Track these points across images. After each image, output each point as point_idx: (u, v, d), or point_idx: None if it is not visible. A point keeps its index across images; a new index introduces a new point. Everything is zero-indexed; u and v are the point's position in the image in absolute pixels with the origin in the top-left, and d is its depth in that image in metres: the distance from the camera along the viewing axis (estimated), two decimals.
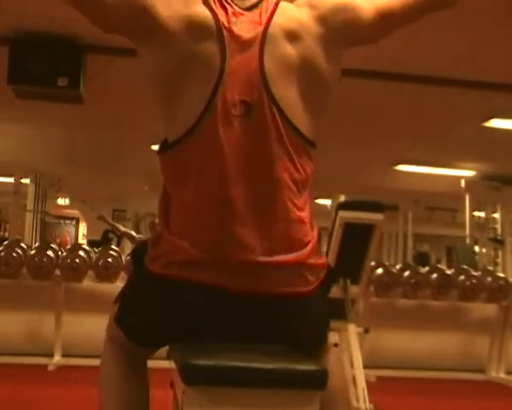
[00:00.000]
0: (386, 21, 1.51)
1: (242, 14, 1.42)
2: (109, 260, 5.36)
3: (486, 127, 6.47)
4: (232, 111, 1.36)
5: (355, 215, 3.91)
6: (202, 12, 1.41)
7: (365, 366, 3.83)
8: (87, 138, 8.60)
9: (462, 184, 9.41)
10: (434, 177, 9.35)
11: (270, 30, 1.40)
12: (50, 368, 4.99)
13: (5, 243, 5.64)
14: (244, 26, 1.40)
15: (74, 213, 16.24)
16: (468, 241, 9.67)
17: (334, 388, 1.38)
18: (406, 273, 5.65)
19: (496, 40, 4.43)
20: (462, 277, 5.77)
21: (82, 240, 15.75)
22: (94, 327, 5.36)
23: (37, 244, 5.97)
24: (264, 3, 1.45)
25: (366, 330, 4.10)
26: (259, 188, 1.37)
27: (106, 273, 5.35)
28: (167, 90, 1.42)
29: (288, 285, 1.38)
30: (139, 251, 1.55)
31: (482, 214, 10.16)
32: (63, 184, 11.42)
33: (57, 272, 5.26)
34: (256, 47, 1.39)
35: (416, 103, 5.93)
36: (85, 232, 16.32)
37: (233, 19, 1.40)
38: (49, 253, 5.29)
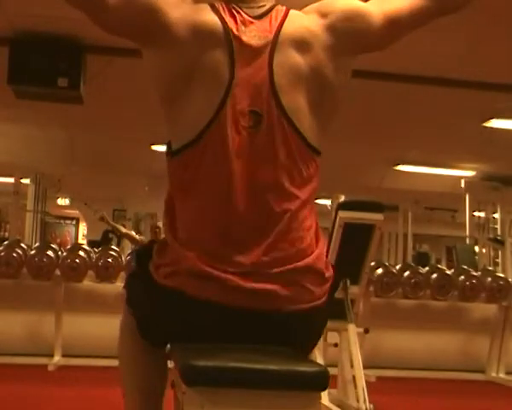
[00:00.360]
0: (394, 27, 1.50)
1: (252, 23, 1.40)
2: (109, 260, 5.36)
3: (486, 127, 6.47)
4: (241, 121, 1.35)
5: (355, 215, 3.91)
6: (211, 19, 1.39)
7: (365, 366, 3.83)
8: (87, 138, 8.60)
9: (462, 184, 9.41)
10: (434, 177, 9.35)
11: (280, 39, 1.39)
12: (50, 368, 4.99)
13: (5, 243, 5.64)
14: (253, 35, 1.38)
15: (74, 213, 16.24)
16: (468, 241, 9.67)
17: None
18: (406, 273, 5.65)
19: (496, 40, 4.43)
20: (462, 277, 5.77)
21: (82, 240, 15.74)
22: (94, 327, 5.41)
23: (37, 244, 5.97)
24: (273, 12, 1.43)
25: (366, 331, 4.11)
26: (266, 198, 1.36)
27: (106, 273, 5.35)
28: (172, 94, 1.40)
29: (293, 301, 1.36)
30: (143, 254, 1.54)
31: (482, 214, 10.16)
32: (63, 184, 11.41)
33: (57, 272, 5.26)
34: (265, 56, 1.37)
35: (416, 103, 5.93)
36: (85, 232, 16.32)
37: (242, 27, 1.39)
38: (49, 253, 5.29)
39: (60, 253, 5.38)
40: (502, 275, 6.30)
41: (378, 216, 3.90)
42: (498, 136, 6.69)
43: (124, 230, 8.34)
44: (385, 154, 8.46)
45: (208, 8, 1.41)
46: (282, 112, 1.36)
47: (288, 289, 1.35)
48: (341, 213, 3.90)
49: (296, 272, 1.36)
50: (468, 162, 8.67)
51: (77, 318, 5.36)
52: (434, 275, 5.73)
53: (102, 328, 5.30)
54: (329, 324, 4.33)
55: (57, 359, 5.19)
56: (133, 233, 8.56)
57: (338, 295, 3.90)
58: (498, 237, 9.61)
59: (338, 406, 3.89)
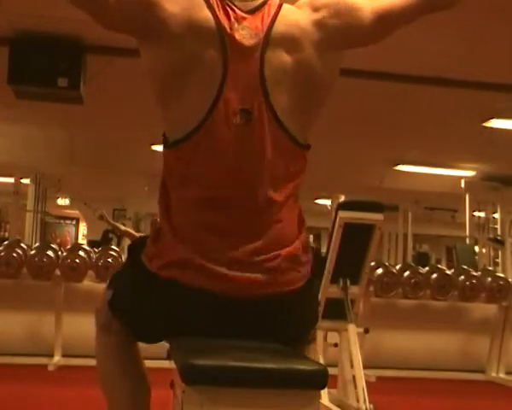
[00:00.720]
0: (385, 22, 1.51)
1: (245, 19, 1.42)
2: (109, 260, 5.36)
3: (486, 127, 6.47)
4: (232, 118, 1.39)
5: (355, 215, 3.91)
6: (205, 16, 1.41)
7: (365, 366, 3.83)
8: (87, 139, 8.61)
9: (462, 184, 9.41)
10: (434, 177, 9.35)
11: (271, 37, 1.41)
12: (50, 368, 4.99)
13: (5, 243, 5.64)
14: (246, 33, 1.41)
15: (74, 213, 16.24)
16: (468, 241, 9.67)
17: None
18: (406, 273, 5.65)
19: (496, 40, 4.43)
20: (462, 277, 5.77)
21: (82, 240, 15.75)
22: (94, 327, 5.40)
23: (37, 244, 5.97)
24: (266, 7, 1.45)
25: (366, 331, 4.11)
26: (254, 192, 1.42)
27: (106, 273, 5.34)
28: (166, 90, 1.44)
29: (275, 285, 1.42)
30: (136, 245, 1.59)
31: (482, 215, 10.16)
32: (63, 184, 11.41)
33: (57, 272, 5.26)
34: (257, 55, 1.40)
35: (415, 103, 5.93)
36: (85, 232, 16.32)
37: (235, 24, 1.41)
38: (49, 253, 5.29)
39: (60, 253, 5.37)
40: (502, 275, 6.29)
41: (378, 216, 3.90)
42: (498, 136, 6.69)
43: (123, 228, 8.33)
44: (385, 154, 8.46)
45: (203, 3, 1.43)
46: (270, 110, 1.40)
47: (271, 276, 1.41)
48: (341, 213, 3.90)
49: (280, 261, 1.42)
50: (468, 162, 8.67)
51: (77, 318, 5.35)
52: (434, 275, 5.73)
53: None
54: (329, 323, 4.35)
55: (57, 359, 5.20)
56: (133, 231, 8.55)
57: (338, 295, 3.93)
58: (498, 237, 9.61)
59: (338, 406, 3.89)
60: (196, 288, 1.40)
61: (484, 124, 6.39)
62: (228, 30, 1.40)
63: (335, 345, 4.06)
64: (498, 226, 9.79)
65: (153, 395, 1.68)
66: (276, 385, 1.22)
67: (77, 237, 16.87)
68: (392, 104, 6.01)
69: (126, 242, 9.52)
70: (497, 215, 9.93)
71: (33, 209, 10.70)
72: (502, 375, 5.83)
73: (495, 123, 6.35)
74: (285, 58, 1.41)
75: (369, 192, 9.01)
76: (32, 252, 5.31)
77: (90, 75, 4.93)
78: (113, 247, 6.22)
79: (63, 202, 14.30)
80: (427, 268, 5.92)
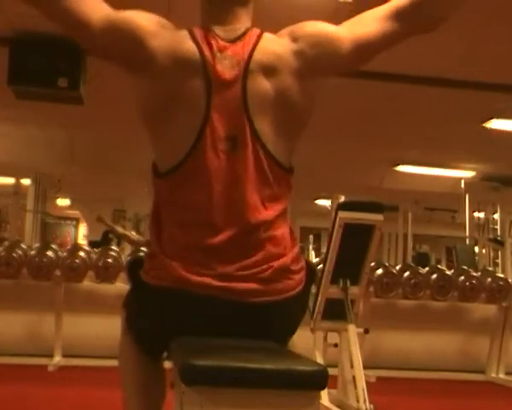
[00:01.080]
0: (364, 51, 1.56)
1: (227, 48, 1.48)
2: (109, 260, 5.36)
3: (486, 127, 6.47)
4: (219, 145, 1.45)
5: (355, 216, 3.90)
6: (190, 48, 1.46)
7: (365, 367, 3.83)
8: (87, 139, 8.60)
9: (462, 184, 9.41)
10: (434, 177, 9.35)
11: (251, 66, 1.46)
12: (50, 368, 4.99)
13: (5, 243, 5.64)
14: (228, 63, 1.46)
15: (74, 213, 16.23)
16: (467, 241, 9.67)
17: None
18: (406, 274, 5.65)
19: (496, 40, 4.43)
20: (462, 277, 5.77)
21: (82, 240, 15.74)
22: (94, 327, 5.41)
23: (37, 245, 5.97)
24: (247, 36, 1.50)
25: (366, 331, 4.10)
26: (243, 214, 1.46)
27: (106, 274, 5.35)
28: (152, 122, 1.50)
29: (271, 293, 1.46)
30: (134, 265, 1.63)
31: (482, 215, 10.16)
32: (63, 184, 11.41)
33: (57, 272, 5.26)
34: (239, 84, 1.45)
35: (415, 103, 5.94)
36: (85, 233, 16.32)
37: (218, 55, 1.46)
38: (50, 253, 5.29)
39: (60, 253, 5.37)
40: (502, 275, 6.29)
41: (378, 216, 3.89)
42: (498, 136, 6.70)
43: (121, 230, 8.34)
44: (385, 154, 8.46)
45: (187, 35, 1.49)
46: (255, 135, 1.46)
47: (265, 285, 1.46)
48: (341, 214, 3.90)
49: (272, 272, 1.47)
50: (468, 162, 8.67)
51: (77, 318, 5.36)
52: (434, 275, 5.73)
53: (102, 328, 5.31)
54: (329, 324, 4.35)
55: (57, 359, 5.19)
56: (130, 234, 8.55)
57: (338, 295, 3.93)
58: (498, 238, 9.60)
59: (338, 406, 3.89)
60: (192, 294, 1.44)
61: (484, 124, 6.39)
62: (210, 61, 1.46)
63: (335, 345, 4.06)
64: (498, 227, 9.79)
65: None
66: (276, 386, 1.22)
67: (77, 238, 16.85)
68: (392, 104, 6.01)
69: (127, 243, 9.51)
70: (496, 216, 9.93)
71: (33, 209, 10.70)
72: (502, 375, 5.83)
73: (495, 123, 6.36)
74: (265, 86, 1.47)
75: (369, 192, 9.01)
76: (32, 252, 5.31)
77: (89, 75, 4.93)
78: (113, 247, 6.22)
79: (63, 202, 14.28)
80: (427, 269, 5.92)
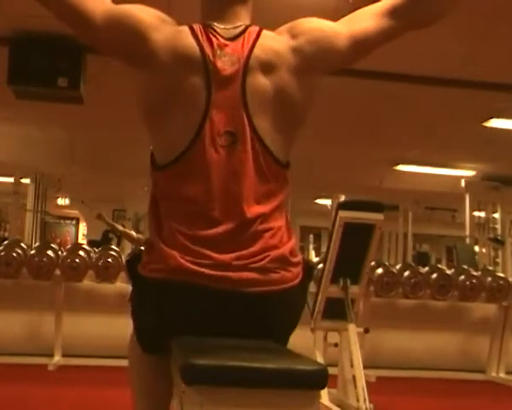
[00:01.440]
0: (361, 47, 1.58)
1: (227, 46, 1.49)
2: (109, 260, 5.36)
3: (486, 127, 6.48)
4: (218, 141, 1.47)
5: (355, 215, 3.91)
6: (190, 44, 1.48)
7: (365, 366, 3.83)
8: (87, 138, 8.60)
9: (462, 184, 9.41)
10: (434, 177, 9.35)
11: (250, 63, 1.48)
12: (50, 368, 4.99)
13: (5, 242, 5.64)
14: (227, 60, 1.48)
15: (74, 213, 16.24)
16: (468, 241, 9.67)
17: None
18: (406, 273, 5.65)
19: (496, 40, 4.43)
20: (462, 277, 5.78)
21: (82, 240, 15.74)
22: (94, 327, 5.41)
23: (37, 244, 5.98)
24: (246, 34, 1.52)
25: (366, 331, 4.10)
26: (240, 208, 1.48)
27: (106, 273, 5.35)
28: (153, 116, 1.51)
29: (268, 283, 1.48)
30: (133, 260, 1.62)
31: (482, 214, 10.16)
32: (63, 184, 11.42)
33: (57, 271, 5.26)
34: (238, 81, 1.47)
35: (415, 103, 5.94)
36: (85, 232, 16.32)
37: (218, 51, 1.48)
38: (49, 253, 5.29)
39: (60, 253, 5.38)
40: (502, 275, 6.29)
41: (378, 216, 3.90)
42: (498, 136, 6.70)
43: (121, 228, 8.33)
44: (385, 154, 8.46)
45: (188, 31, 1.50)
46: (254, 132, 1.48)
47: (262, 275, 1.47)
48: (341, 213, 3.90)
49: (268, 260, 1.48)
50: (468, 162, 8.68)
51: (77, 318, 5.36)
52: (434, 275, 5.73)
53: (102, 328, 5.32)
54: (330, 323, 4.35)
55: (57, 359, 5.20)
56: (131, 232, 8.54)
57: (338, 294, 3.93)
58: (498, 237, 9.61)
59: (338, 405, 3.89)
60: (188, 285, 1.45)
61: (484, 124, 6.39)
62: (211, 57, 1.47)
63: (335, 345, 4.06)
64: (498, 226, 9.80)
65: None
66: (276, 385, 1.22)
67: (77, 237, 16.87)
68: (392, 104, 6.01)
69: (126, 242, 9.52)
70: (497, 215, 9.93)
71: (33, 209, 10.70)
72: (502, 375, 5.84)
73: (495, 123, 6.36)
74: (264, 82, 1.48)
75: (369, 192, 9.02)
76: (32, 252, 5.31)
77: (89, 75, 4.93)
78: (113, 247, 6.22)
79: (63, 201, 14.29)
80: (427, 268, 5.92)
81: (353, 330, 3.80)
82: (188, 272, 1.44)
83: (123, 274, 5.27)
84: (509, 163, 8.08)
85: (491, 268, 7.47)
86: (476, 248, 9.85)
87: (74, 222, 17.26)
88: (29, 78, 4.75)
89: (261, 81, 1.48)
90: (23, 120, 7.27)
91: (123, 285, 5.21)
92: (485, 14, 3.92)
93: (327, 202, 12.48)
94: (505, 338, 5.87)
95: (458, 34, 4.22)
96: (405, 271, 5.69)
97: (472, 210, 9.70)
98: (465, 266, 6.33)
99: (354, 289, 3.97)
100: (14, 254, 5.22)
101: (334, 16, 1.61)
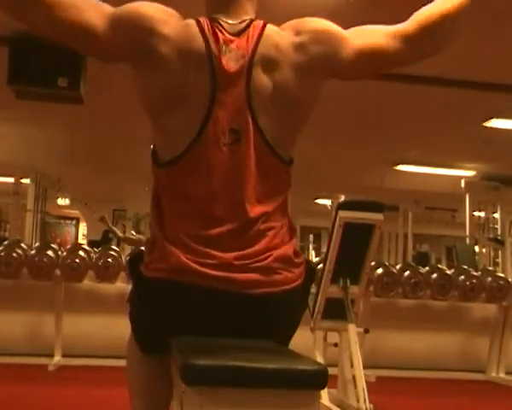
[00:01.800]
0: (367, 61, 1.55)
1: (232, 41, 1.48)
2: (109, 260, 5.36)
3: (486, 127, 6.48)
4: (222, 138, 1.45)
5: (355, 215, 3.91)
6: (196, 40, 1.46)
7: (365, 366, 3.83)
8: (87, 138, 8.60)
9: (462, 184, 9.41)
10: (434, 177, 9.36)
11: (254, 60, 1.47)
12: (50, 368, 4.99)
13: (5, 243, 5.64)
14: (232, 56, 1.46)
15: (74, 213, 16.24)
16: (468, 241, 9.67)
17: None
18: (406, 273, 5.65)
19: (496, 40, 4.43)
20: (462, 277, 5.77)
21: (82, 240, 15.74)
22: (94, 327, 5.41)
23: (37, 244, 5.97)
24: (250, 29, 1.50)
25: (366, 331, 4.10)
26: (243, 206, 1.47)
27: (106, 273, 5.35)
28: (157, 111, 1.49)
29: (270, 284, 1.47)
30: (135, 259, 1.61)
31: (482, 214, 10.16)
32: (63, 184, 11.41)
33: (57, 272, 5.26)
34: (243, 77, 1.46)
35: (415, 103, 5.94)
36: (85, 232, 16.32)
37: (223, 47, 1.47)
38: (50, 253, 5.29)
39: (60, 253, 5.37)
40: (502, 275, 6.29)
41: (378, 216, 3.89)
42: (498, 136, 6.70)
43: (121, 235, 8.34)
44: (385, 154, 8.46)
45: (195, 26, 1.48)
46: (257, 129, 1.46)
47: (265, 275, 1.46)
48: (341, 213, 3.90)
49: (271, 260, 1.48)
50: (468, 162, 8.68)
51: (77, 318, 5.36)
52: (434, 275, 5.73)
53: (102, 328, 5.32)
54: (329, 323, 4.35)
55: (57, 359, 5.20)
56: (130, 235, 8.54)
57: (338, 295, 3.93)
58: (498, 237, 9.61)
59: (338, 405, 3.89)
60: (192, 285, 1.44)
61: (484, 124, 6.39)
62: (216, 53, 1.46)
63: (335, 345, 4.06)
64: (498, 226, 9.80)
65: None
66: (276, 385, 1.22)
67: (77, 237, 16.86)
68: (392, 104, 6.01)
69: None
70: (497, 215, 9.93)
71: (33, 209, 10.70)
72: (502, 375, 5.83)
73: (495, 123, 6.36)
74: (268, 79, 1.47)
75: (369, 192, 9.01)
76: (32, 252, 5.31)
77: (89, 75, 4.93)
78: (113, 247, 6.22)
79: (63, 201, 14.29)
80: (427, 268, 5.92)
81: (353, 330, 3.80)
82: (191, 272, 1.43)
83: (123, 274, 5.27)
84: (509, 163, 8.09)
85: (491, 268, 7.48)
86: (476, 248, 9.86)
87: (74, 222, 17.26)
88: (29, 78, 4.75)
89: (265, 78, 1.47)
90: (23, 120, 7.27)
91: (123, 285, 5.21)
92: (485, 14, 3.92)
93: (327, 202, 12.48)
94: (505, 338, 5.87)
95: (459, 34, 4.21)
96: (405, 271, 5.69)
97: (472, 210, 9.70)
98: (465, 267, 6.32)
99: (354, 290, 3.97)
100: (14, 255, 5.22)
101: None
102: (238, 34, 1.49)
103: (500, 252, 9.73)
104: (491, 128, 6.47)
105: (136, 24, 1.46)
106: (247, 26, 1.50)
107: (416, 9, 1.58)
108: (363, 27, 1.58)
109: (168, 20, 1.47)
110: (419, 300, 5.80)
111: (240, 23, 1.51)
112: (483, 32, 4.29)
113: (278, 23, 1.56)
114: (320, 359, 4.07)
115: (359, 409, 3.52)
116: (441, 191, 10.01)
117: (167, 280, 1.46)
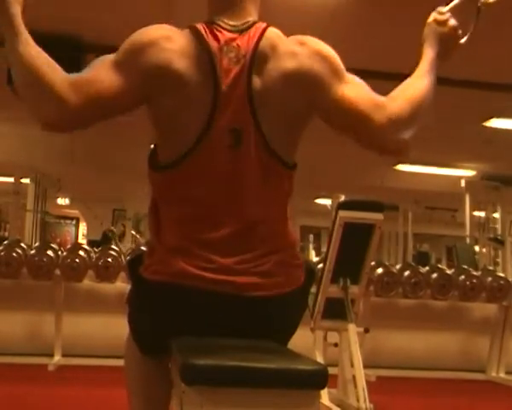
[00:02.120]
0: (340, 109, 1.53)
1: (233, 40, 1.47)
2: (109, 259, 5.36)
3: (486, 127, 6.48)
4: (223, 141, 1.44)
5: (355, 215, 3.90)
6: (195, 44, 1.45)
7: (365, 366, 3.83)
8: (87, 138, 8.60)
9: (462, 183, 9.42)
10: (434, 177, 9.36)
11: (255, 59, 1.46)
12: (50, 368, 4.99)
13: (5, 242, 5.64)
14: (233, 56, 1.46)
15: (74, 213, 16.24)
16: (468, 241, 9.68)
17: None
18: (406, 273, 5.65)
19: (496, 40, 4.43)
20: (463, 277, 5.77)
21: (82, 240, 15.74)
22: (94, 327, 5.41)
23: (37, 244, 5.96)
24: (252, 29, 1.50)
25: (366, 330, 4.10)
26: (245, 209, 1.47)
27: (106, 273, 5.35)
28: (160, 117, 1.48)
29: (270, 287, 1.47)
30: (135, 261, 1.61)
31: (482, 214, 10.17)
32: (63, 184, 11.41)
33: (57, 271, 5.26)
34: (243, 78, 1.45)
35: None
36: (85, 232, 16.32)
37: (224, 48, 1.46)
38: (49, 253, 5.29)
39: (60, 253, 5.37)
40: (502, 275, 6.29)
41: (378, 216, 3.89)
42: (498, 136, 6.70)
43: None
44: None
45: (193, 32, 1.47)
46: (258, 131, 1.45)
47: (264, 279, 1.46)
48: (341, 213, 3.90)
49: (271, 265, 1.48)
50: (468, 162, 8.68)
51: (77, 318, 5.36)
52: (434, 275, 5.73)
53: (102, 328, 5.32)
54: (329, 323, 4.34)
55: (57, 359, 5.19)
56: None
57: (338, 294, 3.93)
58: (498, 237, 9.61)
59: (338, 405, 3.89)
60: (191, 288, 1.44)
61: (484, 124, 6.39)
62: (217, 56, 1.45)
63: (335, 345, 4.06)
64: (498, 226, 9.80)
65: None
66: (276, 385, 1.22)
67: (77, 237, 16.86)
68: None
69: (126, 241, 9.53)
70: (497, 215, 9.93)
71: (33, 209, 10.70)
72: (502, 375, 5.83)
73: (495, 123, 6.36)
74: (268, 80, 1.46)
75: (369, 192, 9.01)
76: (32, 252, 5.30)
77: None
78: (113, 247, 6.21)
79: (63, 201, 14.30)
80: (427, 268, 5.92)
81: (353, 330, 3.80)
82: (190, 275, 1.43)
83: (123, 274, 5.27)
84: (509, 163, 8.09)
85: (491, 268, 7.47)
86: (476, 248, 9.86)
87: (74, 222, 17.25)
88: None
89: (265, 79, 1.46)
90: (23, 119, 7.23)
91: (123, 285, 5.21)
92: (485, 14, 3.92)
93: (327, 201, 12.48)
94: (505, 338, 5.86)
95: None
96: (405, 271, 5.69)
97: (472, 210, 9.71)
98: (465, 266, 6.32)
99: (354, 289, 3.97)
100: (14, 254, 5.21)
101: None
102: (240, 33, 1.49)
103: (500, 252, 9.73)
104: (491, 128, 6.48)
105: (138, 55, 1.44)
106: (250, 27, 1.50)
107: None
108: (361, 82, 1.60)
109: (170, 36, 1.46)
110: (419, 300, 5.79)
111: (242, 24, 1.51)
112: (483, 32, 4.28)
113: (278, 23, 1.56)
114: (320, 359, 4.07)
115: (359, 409, 3.52)
116: (441, 191, 10.01)
117: (167, 283, 1.45)
